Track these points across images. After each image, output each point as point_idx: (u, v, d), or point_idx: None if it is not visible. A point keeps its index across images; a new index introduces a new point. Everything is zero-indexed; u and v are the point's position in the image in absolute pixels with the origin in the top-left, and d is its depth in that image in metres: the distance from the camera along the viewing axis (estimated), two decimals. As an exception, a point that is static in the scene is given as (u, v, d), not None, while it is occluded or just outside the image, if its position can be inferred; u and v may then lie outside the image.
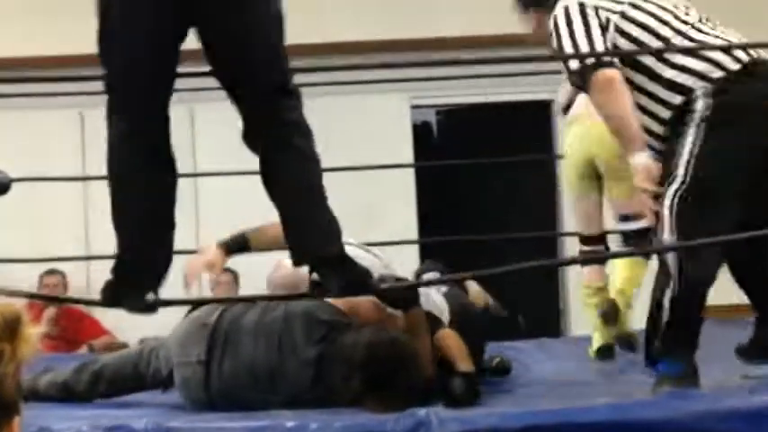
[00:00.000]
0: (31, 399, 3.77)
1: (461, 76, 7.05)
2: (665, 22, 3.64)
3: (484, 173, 8.03)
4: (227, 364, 3.52)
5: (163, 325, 7.80)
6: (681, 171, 3.50)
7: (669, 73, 3.58)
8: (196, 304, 3.93)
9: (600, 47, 3.58)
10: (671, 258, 3.46)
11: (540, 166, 8.10)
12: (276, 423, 2.98)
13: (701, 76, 3.56)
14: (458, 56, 7.63)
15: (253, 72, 3.28)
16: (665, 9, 3.68)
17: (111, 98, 3.39)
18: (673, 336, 3.44)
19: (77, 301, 7.45)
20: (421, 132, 8.66)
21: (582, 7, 3.64)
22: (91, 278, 7.82)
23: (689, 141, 3.52)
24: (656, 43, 3.63)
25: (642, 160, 3.56)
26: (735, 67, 3.55)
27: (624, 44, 3.63)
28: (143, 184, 3.29)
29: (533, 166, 8.00)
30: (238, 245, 3.89)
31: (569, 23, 3.64)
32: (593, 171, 4.90)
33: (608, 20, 3.64)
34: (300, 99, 3.40)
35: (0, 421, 1.36)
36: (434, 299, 3.94)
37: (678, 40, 3.63)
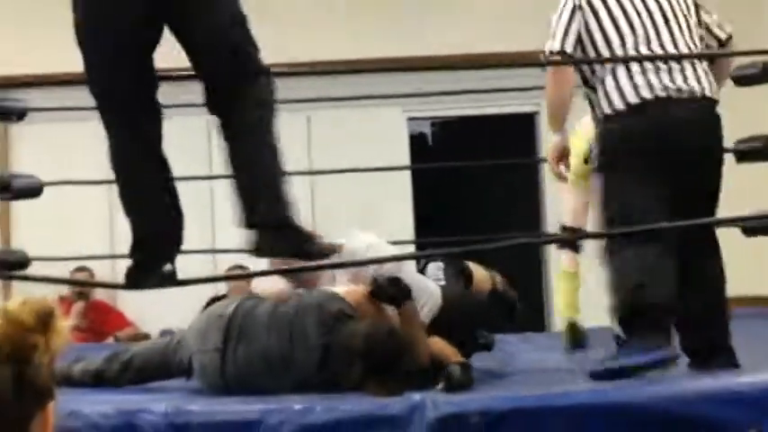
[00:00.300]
0: (65, 385, 3.79)
1: (453, 92, 7.09)
2: (616, 27, 3.65)
3: (474, 178, 8.06)
4: (242, 352, 3.53)
5: (182, 317, 7.83)
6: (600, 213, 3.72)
7: (600, 87, 3.64)
8: (212, 281, 3.99)
9: (564, 32, 3.66)
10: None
11: (525, 171, 8.12)
12: (285, 406, 3.01)
13: (605, 104, 3.61)
14: (451, 73, 7.65)
15: (220, 61, 3.34)
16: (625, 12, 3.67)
17: (98, 102, 3.38)
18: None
19: (105, 286, 7.47)
20: (417, 142, 8.68)
21: None
22: (116, 273, 7.85)
23: (598, 184, 3.72)
24: (598, 47, 3.67)
25: (553, 139, 3.77)
26: (621, 106, 3.57)
27: (593, 26, 3.67)
28: (142, 179, 3.38)
29: (519, 171, 8.03)
30: None
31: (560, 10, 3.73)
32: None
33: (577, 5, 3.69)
34: (270, 78, 3.44)
35: (36, 406, 1.37)
36: (430, 287, 3.96)
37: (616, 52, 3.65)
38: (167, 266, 3.28)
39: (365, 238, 4.05)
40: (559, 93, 3.73)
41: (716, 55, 3.90)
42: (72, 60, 6.96)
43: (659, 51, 3.61)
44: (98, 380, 3.87)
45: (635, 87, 3.57)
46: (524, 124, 7.87)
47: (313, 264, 3.52)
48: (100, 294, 7.76)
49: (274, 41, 7.92)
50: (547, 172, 6.81)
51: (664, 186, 3.53)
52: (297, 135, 8.05)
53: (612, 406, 2.97)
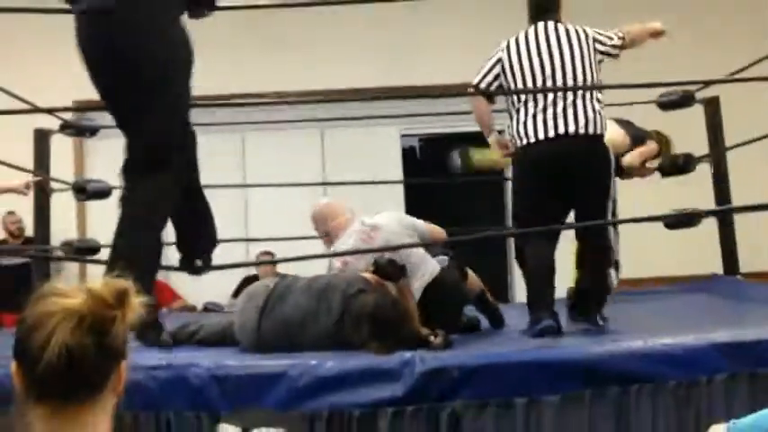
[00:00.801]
0: (145, 342, 3.84)
1: (439, 113, 7.10)
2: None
3: (456, 187, 8.08)
4: (277, 311, 3.55)
5: (220, 292, 7.87)
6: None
7: (511, 123, 4.03)
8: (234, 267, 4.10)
9: (484, 75, 4.11)
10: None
11: (494, 179, 8.14)
12: (303, 361, 3.02)
13: (516, 137, 4.01)
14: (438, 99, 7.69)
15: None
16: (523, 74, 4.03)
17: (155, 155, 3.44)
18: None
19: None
20: (408, 155, 8.70)
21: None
22: (169, 260, 7.88)
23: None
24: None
25: (491, 138, 4.25)
26: (524, 141, 3.95)
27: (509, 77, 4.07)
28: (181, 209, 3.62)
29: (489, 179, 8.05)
30: None
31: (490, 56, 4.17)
32: None
33: (499, 58, 4.09)
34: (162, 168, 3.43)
35: (113, 364, 1.38)
36: (432, 262, 3.98)
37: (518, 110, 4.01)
38: (197, 261, 3.65)
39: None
40: (477, 113, 4.22)
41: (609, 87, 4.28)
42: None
43: (546, 98, 3.91)
44: (173, 340, 3.90)
45: (534, 129, 3.91)
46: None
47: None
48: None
49: (296, 71, 7.98)
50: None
51: (554, 196, 3.91)
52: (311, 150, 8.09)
53: (560, 360, 3.00)
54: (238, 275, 7.64)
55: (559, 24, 4.09)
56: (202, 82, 7.53)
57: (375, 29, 8.17)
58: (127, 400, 1.44)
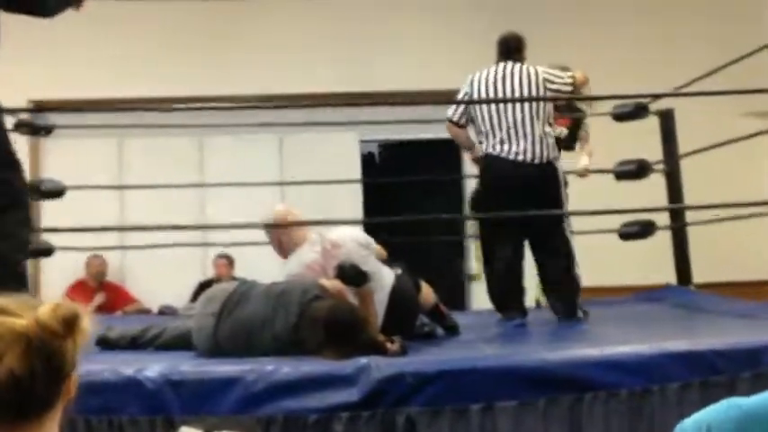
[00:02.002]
0: (102, 346, 3.78)
1: (397, 121, 7.11)
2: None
3: (412, 188, 8.10)
4: (234, 316, 3.55)
5: (177, 296, 7.80)
6: None
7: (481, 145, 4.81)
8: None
9: (455, 108, 4.87)
10: None
11: (451, 184, 8.18)
12: (258, 367, 2.99)
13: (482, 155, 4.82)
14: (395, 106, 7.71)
15: None
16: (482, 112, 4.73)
17: None
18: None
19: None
20: (367, 161, 8.70)
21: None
22: (125, 260, 7.80)
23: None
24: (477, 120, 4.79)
25: (471, 155, 5.09)
26: (482, 153, 4.77)
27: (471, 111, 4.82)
28: None
29: (447, 184, 8.09)
30: None
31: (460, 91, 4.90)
32: None
33: (466, 92, 4.86)
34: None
35: (64, 381, 1.37)
36: (385, 274, 3.99)
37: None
38: None
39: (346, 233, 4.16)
40: (457, 139, 5.01)
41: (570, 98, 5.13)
42: (95, 88, 6.79)
43: (501, 132, 4.66)
44: (132, 344, 3.87)
45: (492, 151, 4.70)
46: (452, 148, 7.92)
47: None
48: (111, 277, 7.71)
49: (255, 74, 7.96)
50: (467, 185, 6.87)
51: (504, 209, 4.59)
52: (270, 155, 8.06)
53: (516, 367, 3.00)
54: (195, 279, 7.60)
55: (517, 66, 4.76)
56: (159, 84, 7.47)
57: (334, 32, 8.17)
58: (79, 405, 1.42)
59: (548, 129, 4.75)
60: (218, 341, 3.55)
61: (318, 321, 3.36)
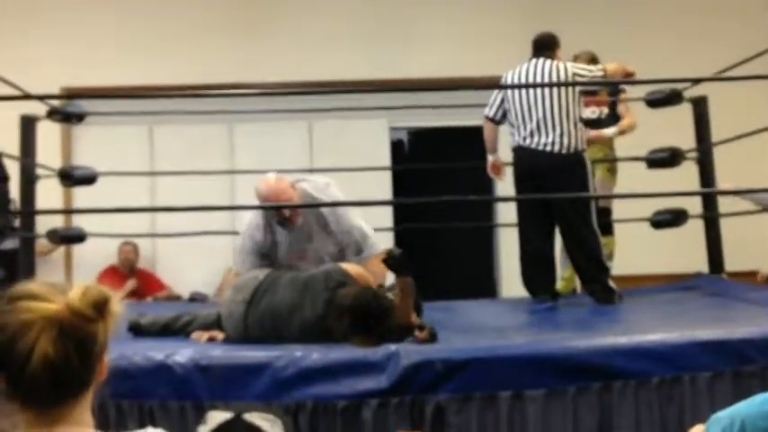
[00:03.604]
0: (133, 332, 3.81)
1: (427, 106, 7.10)
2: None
3: (443, 176, 8.07)
4: (263, 303, 3.58)
5: (206, 283, 7.84)
6: None
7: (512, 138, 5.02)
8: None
9: (491, 105, 5.07)
10: None
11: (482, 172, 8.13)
12: (288, 353, 3.02)
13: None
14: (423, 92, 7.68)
15: None
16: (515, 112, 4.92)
17: None
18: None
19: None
20: (397, 148, 8.68)
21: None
22: (155, 247, 7.85)
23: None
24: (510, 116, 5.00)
25: (489, 158, 5.23)
26: (513, 145, 4.98)
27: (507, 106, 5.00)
28: None
29: (477, 172, 8.03)
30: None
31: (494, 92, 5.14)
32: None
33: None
34: None
35: (96, 363, 1.40)
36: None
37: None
38: None
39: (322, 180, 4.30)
40: (486, 137, 5.16)
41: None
42: (125, 75, 6.83)
43: (531, 124, 4.84)
44: (164, 331, 3.89)
45: (522, 142, 4.89)
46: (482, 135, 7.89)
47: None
48: (142, 264, 7.76)
49: (283, 60, 7.96)
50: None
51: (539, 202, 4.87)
52: (299, 142, 8.07)
53: (544, 355, 3.00)
54: (225, 266, 7.63)
55: (548, 62, 4.91)
56: (189, 70, 7.49)
57: (364, 18, 8.15)
58: (110, 389, 1.44)
59: (581, 115, 4.94)
60: (247, 328, 3.58)
61: (344, 309, 3.37)
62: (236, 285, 3.76)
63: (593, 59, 5.64)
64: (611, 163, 5.86)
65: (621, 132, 5.84)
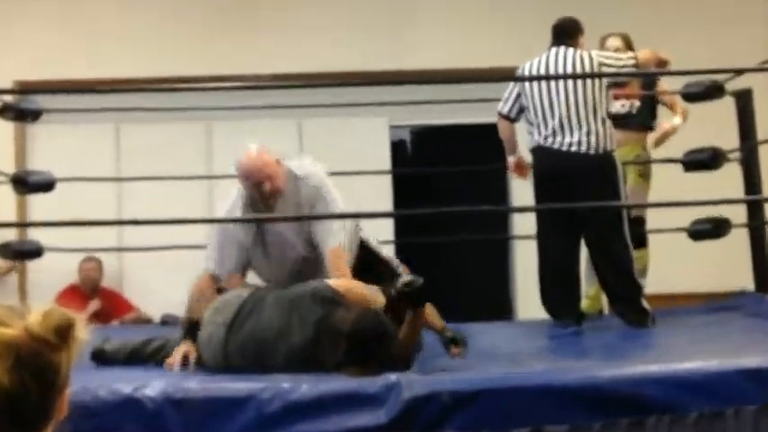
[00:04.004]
0: (97, 361, 3.81)
1: (432, 102, 7.11)
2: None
3: (449, 180, 8.08)
4: (246, 328, 3.57)
5: (181, 304, 7.84)
6: None
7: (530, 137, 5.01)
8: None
9: (505, 101, 5.11)
10: None
11: (495, 176, 8.14)
12: (274, 384, 3.01)
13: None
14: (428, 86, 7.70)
15: None
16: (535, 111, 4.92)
17: None
18: None
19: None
20: (398, 149, 8.69)
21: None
22: (123, 263, 7.85)
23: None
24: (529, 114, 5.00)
25: (509, 159, 5.32)
26: (532, 145, 4.98)
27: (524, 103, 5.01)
28: None
29: (489, 176, 8.04)
30: (192, 327, 3.84)
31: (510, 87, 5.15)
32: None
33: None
34: None
35: (57, 398, 1.39)
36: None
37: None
38: None
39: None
40: (503, 137, 5.23)
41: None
42: (88, 68, 6.86)
43: (553, 122, 4.84)
44: (132, 358, 3.90)
45: (543, 142, 4.89)
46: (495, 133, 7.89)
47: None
48: (107, 282, 7.76)
49: (271, 52, 7.98)
50: (514, 178, 6.87)
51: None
52: (288, 142, 8.09)
53: (566, 386, 2.99)
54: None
55: (570, 51, 4.89)
56: (162, 62, 7.53)
57: (360, 3, 8.17)
58: (71, 426, 1.44)
59: (610, 110, 4.98)
60: (227, 355, 3.58)
61: (341, 335, 3.36)
62: (217, 305, 3.76)
63: (626, 41, 5.59)
64: (644, 166, 5.77)
65: (684, 120, 5.72)
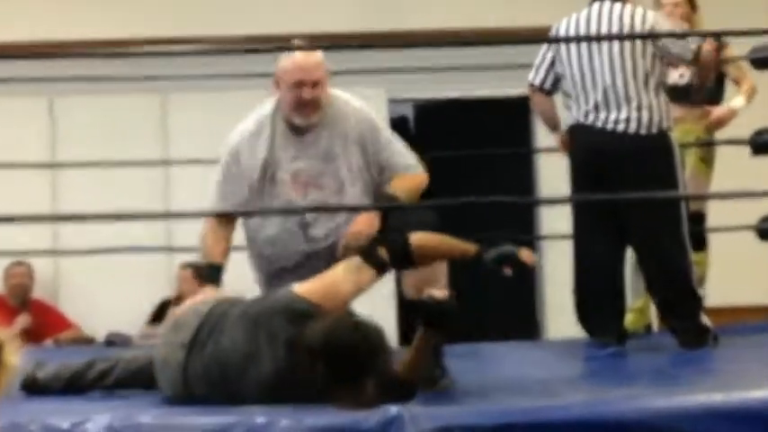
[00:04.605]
0: (28, 390, 3.80)
1: (439, 69, 7.10)
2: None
3: (460, 165, 8.08)
4: (209, 350, 3.56)
5: (129, 321, 7.86)
6: None
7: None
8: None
9: (536, 70, 5.06)
10: None
11: (518, 161, 8.13)
12: (246, 419, 3.01)
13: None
14: (434, 51, 7.70)
15: None
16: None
17: None
18: None
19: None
20: (398, 126, 8.69)
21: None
22: (59, 268, 7.84)
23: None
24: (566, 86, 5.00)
25: (554, 135, 5.21)
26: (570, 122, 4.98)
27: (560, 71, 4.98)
28: None
29: (511, 161, 8.03)
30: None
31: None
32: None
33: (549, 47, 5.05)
34: None
35: None
36: None
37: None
38: None
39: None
40: (539, 112, 5.27)
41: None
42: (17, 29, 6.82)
43: (595, 94, 4.79)
44: (71, 387, 3.89)
45: (584, 120, 4.85)
46: (517, 109, 7.89)
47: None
48: (39, 293, 7.74)
49: (252, 9, 7.98)
50: (542, 163, 6.85)
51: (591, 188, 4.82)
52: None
53: (608, 419, 2.99)
54: (156, 296, 7.63)
55: (617, 6, 4.83)
56: (107, 23, 7.49)
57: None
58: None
59: (665, 81, 4.97)
60: (187, 381, 3.57)
61: (315, 353, 3.31)
62: (175, 323, 3.75)
63: (690, 3, 5.59)
64: (706, 149, 5.73)
65: (749, 100, 5.69)
